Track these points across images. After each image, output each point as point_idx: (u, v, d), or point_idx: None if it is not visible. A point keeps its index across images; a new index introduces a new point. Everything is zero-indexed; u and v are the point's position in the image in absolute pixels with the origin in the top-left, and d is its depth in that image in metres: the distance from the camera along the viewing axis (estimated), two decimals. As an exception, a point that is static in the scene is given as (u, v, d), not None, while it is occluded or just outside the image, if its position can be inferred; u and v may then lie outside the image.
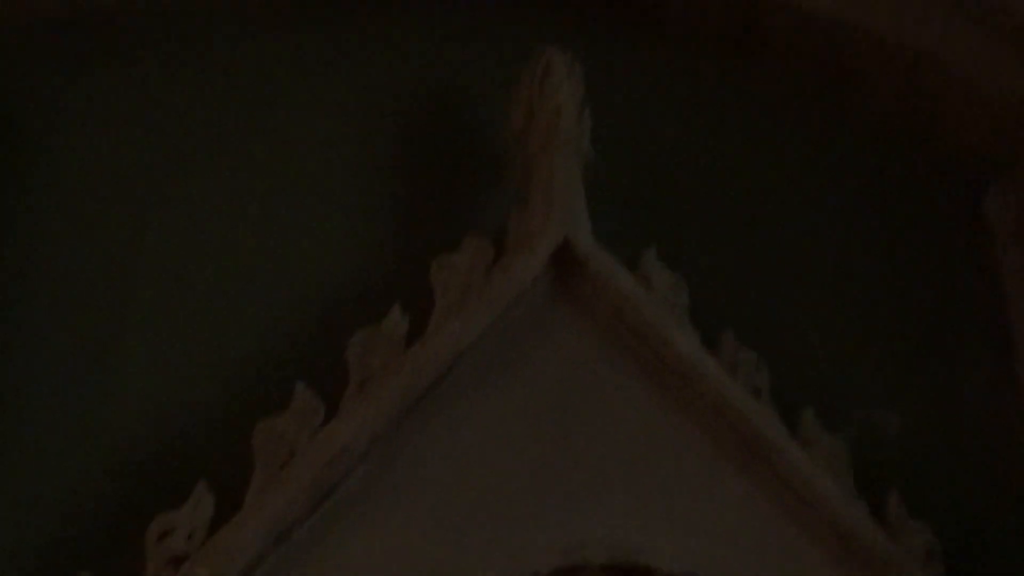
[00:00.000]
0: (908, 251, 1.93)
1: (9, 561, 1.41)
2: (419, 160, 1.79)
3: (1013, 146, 1.93)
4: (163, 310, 1.62)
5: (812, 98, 2.00)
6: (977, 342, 1.90)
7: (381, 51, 1.84)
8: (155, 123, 1.71)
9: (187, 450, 1.51)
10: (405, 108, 1.81)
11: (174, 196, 1.69)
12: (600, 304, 1.60)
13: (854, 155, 2.00)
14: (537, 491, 1.46)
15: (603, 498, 1.47)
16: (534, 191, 1.64)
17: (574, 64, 1.69)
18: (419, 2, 1.86)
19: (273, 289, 1.66)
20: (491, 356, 1.53)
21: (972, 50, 1.88)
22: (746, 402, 1.57)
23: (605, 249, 1.62)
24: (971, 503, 1.72)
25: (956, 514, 1.68)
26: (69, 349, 1.55)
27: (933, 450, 1.77)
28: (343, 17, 1.83)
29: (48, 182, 1.64)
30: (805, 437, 1.59)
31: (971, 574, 1.60)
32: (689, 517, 1.49)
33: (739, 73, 1.98)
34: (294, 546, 1.38)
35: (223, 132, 1.72)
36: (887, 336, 1.84)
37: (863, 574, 1.50)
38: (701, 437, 1.56)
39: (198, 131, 1.71)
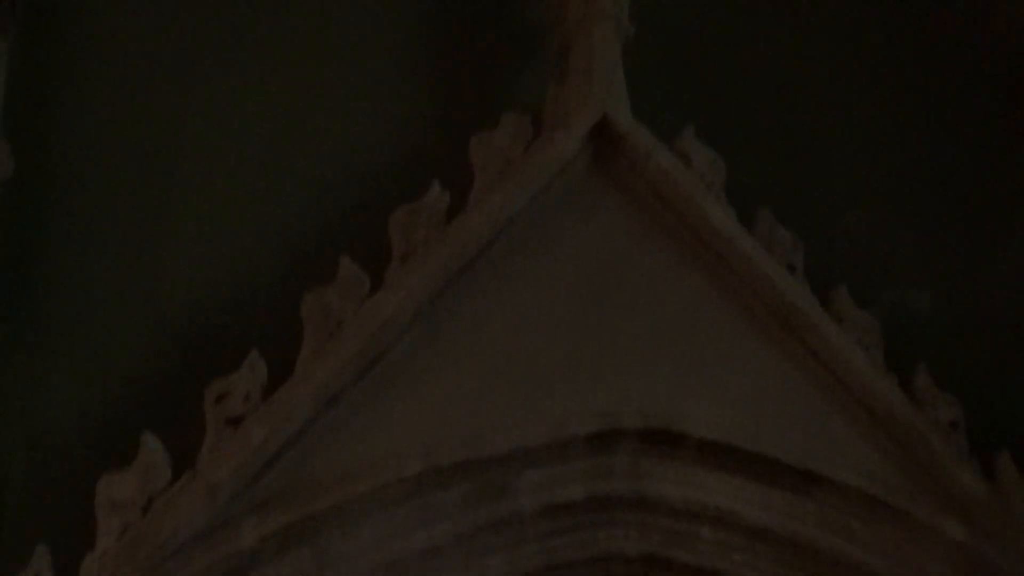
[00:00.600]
0: (948, 130, 1.91)
1: (78, 421, 1.50)
2: (457, 37, 1.78)
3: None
4: (210, 187, 1.65)
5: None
6: (1013, 223, 1.89)
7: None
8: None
9: (239, 321, 1.57)
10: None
11: (217, 76, 1.70)
12: (638, 180, 1.62)
13: (895, 30, 1.95)
14: (576, 359, 1.52)
15: (640, 367, 1.52)
16: (573, 67, 1.64)
17: (613, -63, 1.65)
18: None
19: (315, 166, 1.69)
20: (530, 230, 1.56)
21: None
22: (780, 278, 1.60)
23: (644, 126, 1.62)
24: (999, 379, 1.75)
25: (984, 389, 1.72)
26: (124, 226, 1.61)
27: (964, 327, 1.80)
28: None
29: (96, 55, 1.66)
30: (838, 313, 1.62)
31: (994, 446, 1.64)
32: (722, 387, 1.54)
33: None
34: (343, 409, 1.45)
35: (265, 8, 1.72)
36: (923, 216, 1.85)
37: (889, 444, 1.55)
38: (736, 311, 1.60)
39: (241, 7, 1.71)
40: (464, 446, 1.44)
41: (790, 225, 1.69)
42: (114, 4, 1.69)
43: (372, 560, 1.40)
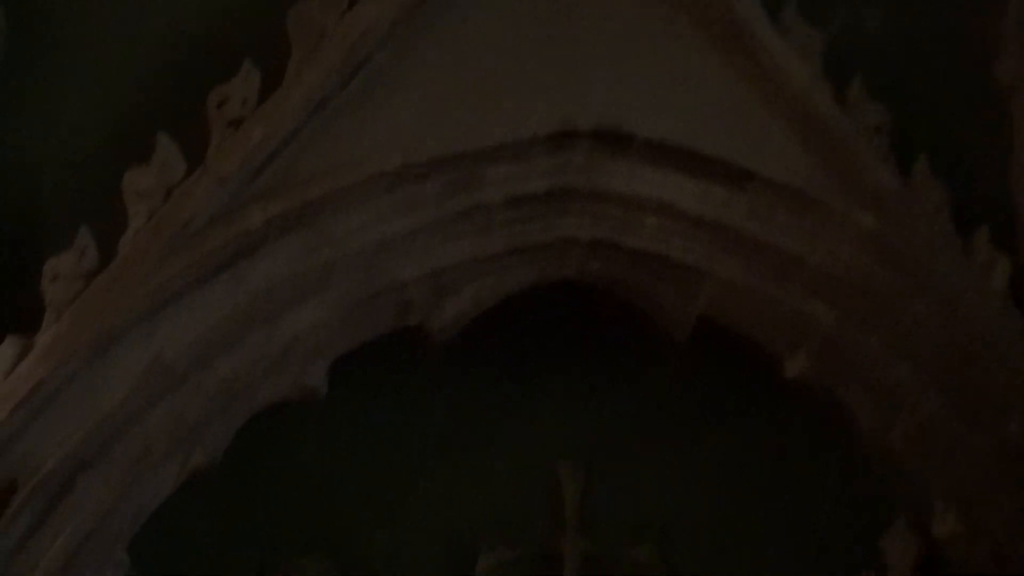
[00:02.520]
0: None
1: (101, 126, 1.71)
2: None
3: None
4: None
5: None
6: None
7: None
8: None
9: (233, 34, 1.73)
10: None
11: None
12: None
13: None
14: (539, 69, 1.68)
15: (596, 75, 1.68)
16: None
17: None
18: None
19: None
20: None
21: None
22: (731, -6, 1.71)
23: None
24: (930, 94, 1.90)
25: (915, 102, 1.87)
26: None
27: (907, 45, 1.92)
28: None
29: None
30: (784, 26, 1.75)
31: (914, 151, 1.82)
32: (669, 93, 1.70)
33: None
34: (330, 112, 1.64)
35: None
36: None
37: (818, 145, 1.73)
38: (689, 26, 1.72)
39: None
40: (438, 144, 1.64)
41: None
42: None
43: (362, 240, 1.65)
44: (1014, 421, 1.75)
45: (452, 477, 2.01)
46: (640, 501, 2.07)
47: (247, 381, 1.66)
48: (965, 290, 1.75)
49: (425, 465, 2.01)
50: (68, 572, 1.59)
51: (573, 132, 1.67)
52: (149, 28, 1.74)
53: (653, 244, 1.74)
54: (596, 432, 2.07)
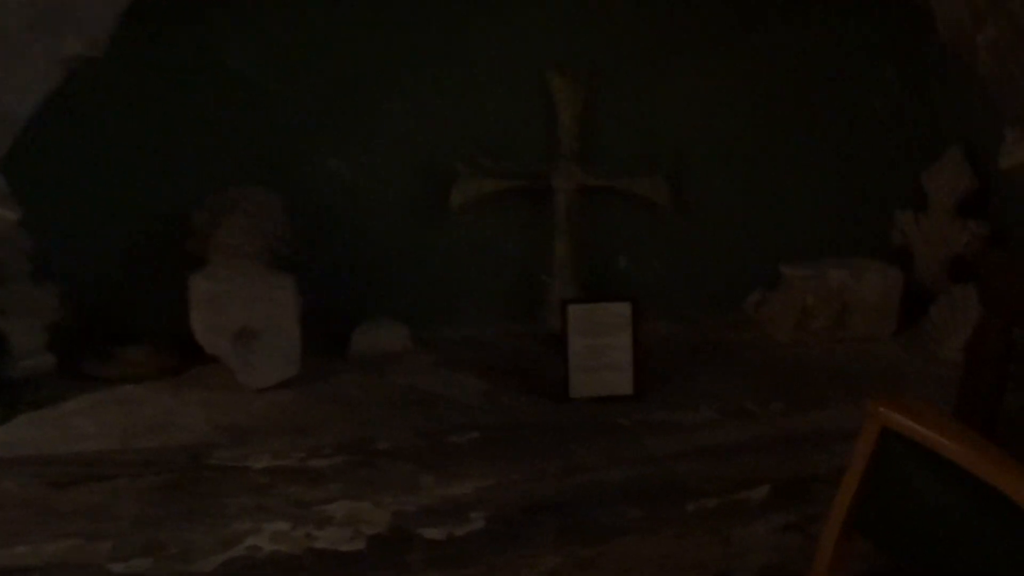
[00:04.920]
0: None
1: None
2: None
3: None
4: None
5: None
6: None
7: None
8: None
9: None
10: None
11: None
12: None
13: None
14: None
15: None
16: None
17: None
18: None
19: None
20: None
21: None
22: None
23: None
24: None
25: None
26: None
27: None
28: None
29: None
30: None
31: None
32: None
33: None
34: None
35: None
36: None
37: None
38: None
39: None
40: None
41: None
42: None
43: None
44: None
45: (425, 96, 1.64)
46: (650, 124, 1.74)
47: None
48: None
49: (393, 81, 1.62)
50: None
51: None
52: None
53: None
54: (600, 40, 1.68)
